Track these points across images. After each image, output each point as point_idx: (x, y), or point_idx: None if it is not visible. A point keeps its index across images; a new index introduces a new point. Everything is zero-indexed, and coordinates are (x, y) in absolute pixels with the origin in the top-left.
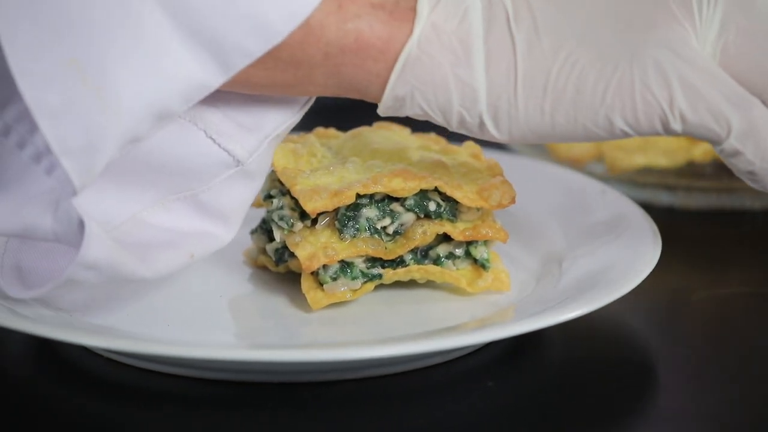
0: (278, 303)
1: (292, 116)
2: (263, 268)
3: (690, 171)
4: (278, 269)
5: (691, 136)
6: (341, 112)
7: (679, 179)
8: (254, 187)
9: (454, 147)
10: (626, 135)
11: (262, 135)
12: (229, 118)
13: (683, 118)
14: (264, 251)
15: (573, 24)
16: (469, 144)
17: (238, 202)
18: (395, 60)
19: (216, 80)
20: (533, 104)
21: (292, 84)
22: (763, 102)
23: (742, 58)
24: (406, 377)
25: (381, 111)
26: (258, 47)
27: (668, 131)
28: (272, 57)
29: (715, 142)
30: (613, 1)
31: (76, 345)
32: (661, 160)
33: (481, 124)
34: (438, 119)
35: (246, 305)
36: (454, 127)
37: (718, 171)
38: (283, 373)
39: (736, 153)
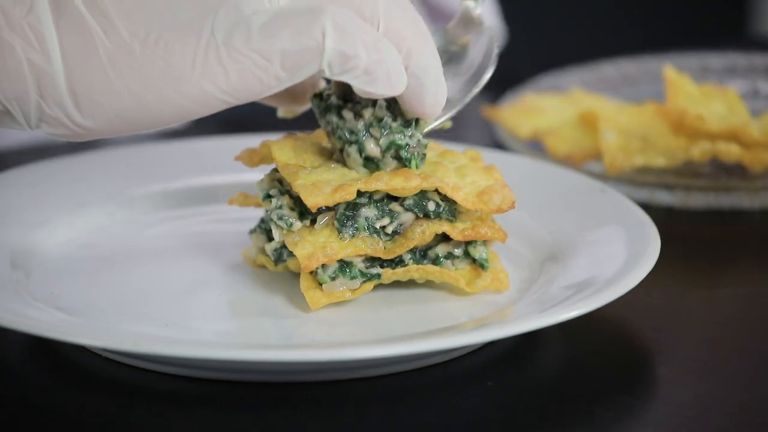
0: (277, 303)
1: None
2: (262, 267)
3: (689, 170)
4: (277, 269)
5: (295, 67)
6: None
7: (677, 179)
8: None
9: (452, 151)
10: (222, 104)
11: None
12: None
13: (282, 58)
14: (263, 251)
15: (152, 8)
16: (469, 150)
17: None
18: None
19: None
20: (119, 85)
21: None
22: None
23: None
24: (405, 377)
25: None
26: None
27: (267, 86)
28: None
29: (316, 58)
30: None
31: (75, 345)
32: (660, 160)
33: (65, 113)
34: (17, 114)
35: (245, 305)
36: (33, 123)
37: (717, 170)
38: (282, 372)
39: (341, 58)
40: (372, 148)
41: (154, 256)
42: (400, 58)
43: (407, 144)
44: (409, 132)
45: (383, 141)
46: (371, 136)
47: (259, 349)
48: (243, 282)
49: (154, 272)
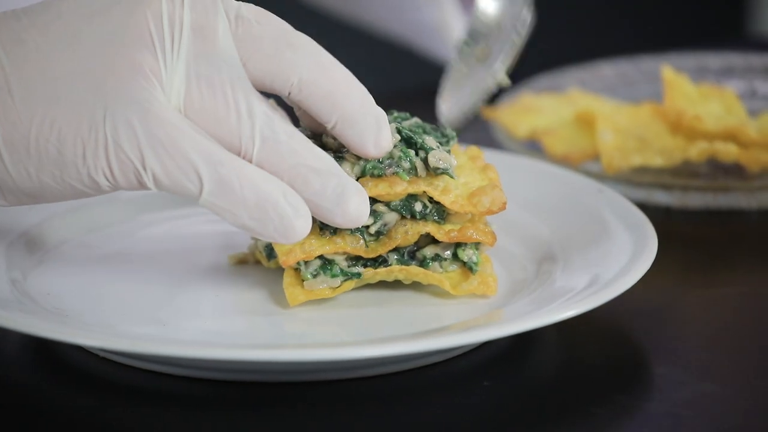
0: (274, 302)
1: None
2: (257, 263)
3: (686, 170)
4: (270, 265)
5: (170, 192)
6: None
7: (675, 179)
8: None
9: (454, 149)
10: (116, 189)
11: None
12: None
13: (155, 177)
14: (257, 247)
15: (49, 83)
16: (471, 148)
17: None
18: None
19: None
20: (20, 168)
21: None
22: (237, 152)
23: (205, 109)
24: (402, 377)
25: None
26: None
27: (146, 188)
28: None
29: (191, 198)
30: (88, 59)
31: (72, 345)
32: (658, 160)
33: None
34: None
35: (243, 305)
36: None
37: (714, 170)
38: (280, 372)
39: (216, 209)
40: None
41: (152, 257)
42: (287, 209)
43: (381, 173)
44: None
45: (356, 169)
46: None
47: (257, 349)
48: (241, 282)
49: (151, 272)
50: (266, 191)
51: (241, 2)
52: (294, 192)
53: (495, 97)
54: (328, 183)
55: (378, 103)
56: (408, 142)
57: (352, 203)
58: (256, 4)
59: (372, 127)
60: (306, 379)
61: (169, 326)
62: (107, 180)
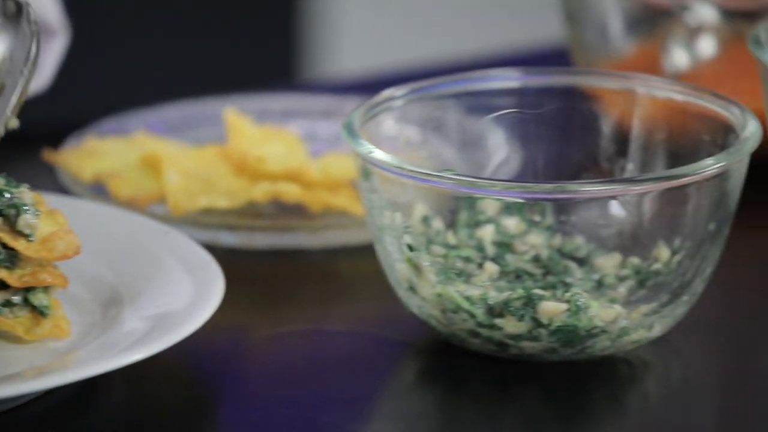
0: None
1: None
2: None
3: (251, 211)
4: None
5: None
6: None
7: (240, 219)
8: None
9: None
10: None
11: None
12: None
13: None
14: None
15: None
16: (34, 194)
17: None
18: None
19: None
20: None
21: None
22: None
23: None
24: None
25: None
26: None
27: None
28: None
29: None
30: None
31: None
32: (223, 201)
33: None
34: None
35: None
36: None
37: (278, 211)
38: None
39: None
40: None
41: None
42: None
43: None
44: None
45: None
46: None
47: None
48: None
49: None
50: None
51: None
52: None
53: (4, 137)
54: None
55: None
56: None
57: None
58: None
59: None
60: None
61: None
62: None
